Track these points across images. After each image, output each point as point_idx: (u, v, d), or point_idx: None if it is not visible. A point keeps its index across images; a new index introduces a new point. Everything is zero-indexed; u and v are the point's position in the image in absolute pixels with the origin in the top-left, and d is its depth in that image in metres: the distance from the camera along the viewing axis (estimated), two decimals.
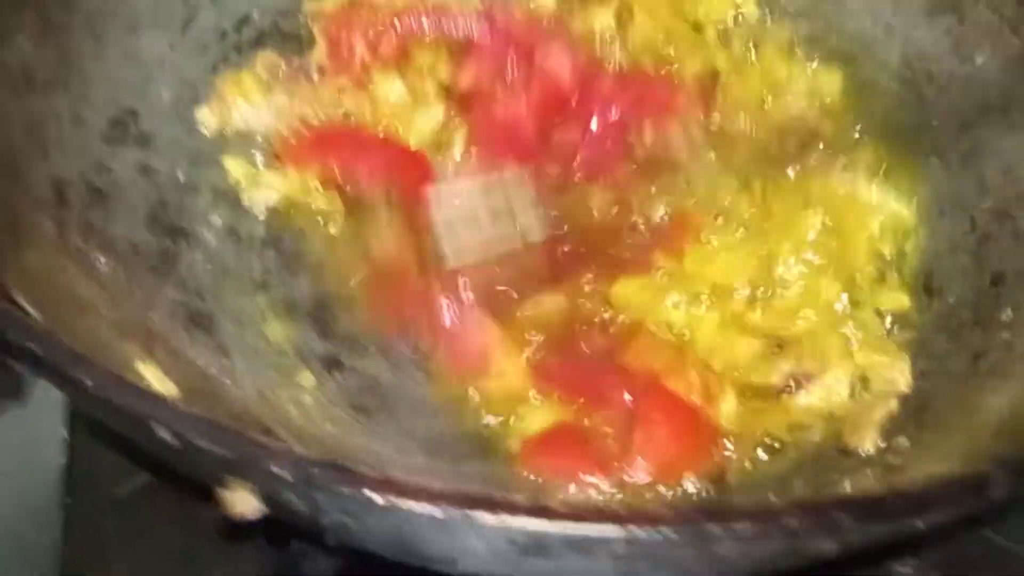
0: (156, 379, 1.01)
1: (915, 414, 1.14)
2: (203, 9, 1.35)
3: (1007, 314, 1.17)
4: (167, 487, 1.14)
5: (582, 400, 1.13)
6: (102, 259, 1.13)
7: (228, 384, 1.10)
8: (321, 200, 1.28)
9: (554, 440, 1.11)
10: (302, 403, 1.15)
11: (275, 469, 0.73)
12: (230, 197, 1.30)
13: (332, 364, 1.20)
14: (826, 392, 1.16)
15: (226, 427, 0.74)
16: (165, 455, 0.81)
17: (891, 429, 1.14)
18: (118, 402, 0.74)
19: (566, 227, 1.26)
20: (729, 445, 1.14)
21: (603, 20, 1.37)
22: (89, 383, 0.74)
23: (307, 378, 1.18)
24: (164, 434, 0.74)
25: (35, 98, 1.17)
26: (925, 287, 1.26)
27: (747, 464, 1.14)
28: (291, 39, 1.42)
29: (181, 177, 1.27)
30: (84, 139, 1.21)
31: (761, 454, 1.15)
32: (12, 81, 1.14)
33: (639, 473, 1.08)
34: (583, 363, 1.16)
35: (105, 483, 1.18)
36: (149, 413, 0.74)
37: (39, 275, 1.02)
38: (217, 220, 1.28)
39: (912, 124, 1.36)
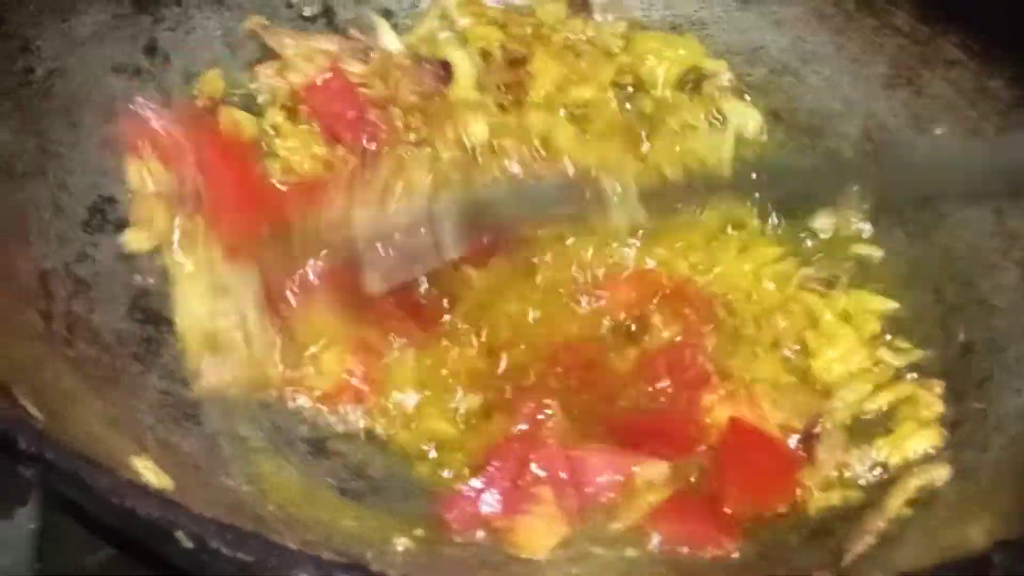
0: (151, 472, 1.02)
1: None
2: (176, 93, 1.35)
3: (979, 384, 1.19)
4: (132, 560, 1.12)
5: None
6: (88, 350, 1.12)
7: (219, 474, 1.10)
8: None
9: (676, 508, 1.13)
10: (290, 488, 1.14)
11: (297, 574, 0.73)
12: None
13: (319, 449, 1.19)
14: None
15: (247, 532, 0.74)
16: (175, 554, 0.81)
17: None
18: (141, 512, 0.74)
19: None
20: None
21: None
22: (113, 498, 0.74)
23: (294, 463, 1.17)
24: (187, 542, 0.74)
25: (16, 187, 1.17)
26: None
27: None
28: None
29: (160, 263, 1.26)
30: (65, 228, 1.21)
31: None
32: None
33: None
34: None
35: (74, 552, 1.15)
36: (173, 521, 0.74)
37: (31, 370, 1.02)
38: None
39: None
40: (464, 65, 1.42)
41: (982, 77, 1.33)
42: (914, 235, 1.35)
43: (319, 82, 1.37)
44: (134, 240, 1.24)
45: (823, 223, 1.35)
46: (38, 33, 1.23)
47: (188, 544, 0.74)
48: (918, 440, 1.16)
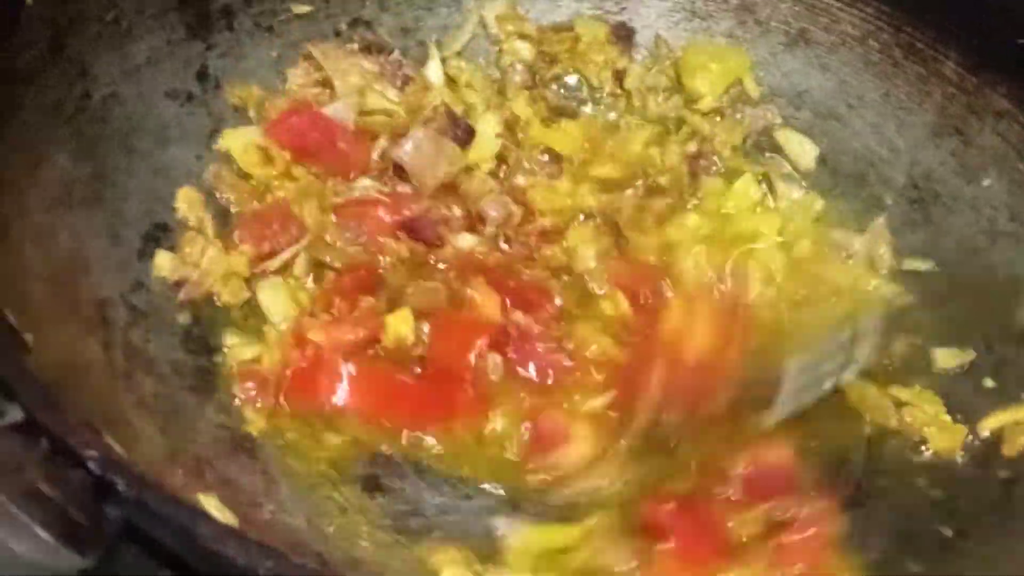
0: (216, 510, 1.01)
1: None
2: (227, 120, 1.35)
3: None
4: None
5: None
6: (146, 381, 1.12)
7: (279, 511, 1.09)
8: None
9: None
10: (346, 527, 1.13)
11: None
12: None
13: (372, 486, 1.18)
14: None
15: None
16: None
17: None
18: (243, 562, 0.73)
19: None
20: None
21: None
22: (214, 545, 0.73)
23: (350, 501, 1.16)
24: None
25: (75, 215, 1.16)
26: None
27: None
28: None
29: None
30: (121, 256, 1.21)
31: None
32: (55, 199, 1.15)
33: None
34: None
35: None
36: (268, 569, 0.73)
37: (99, 404, 1.01)
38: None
39: (919, 244, 1.39)
40: (486, 135, 1.41)
41: None
42: (963, 286, 1.34)
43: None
44: (163, 267, 1.23)
45: None
46: (95, 59, 1.23)
47: None
48: None
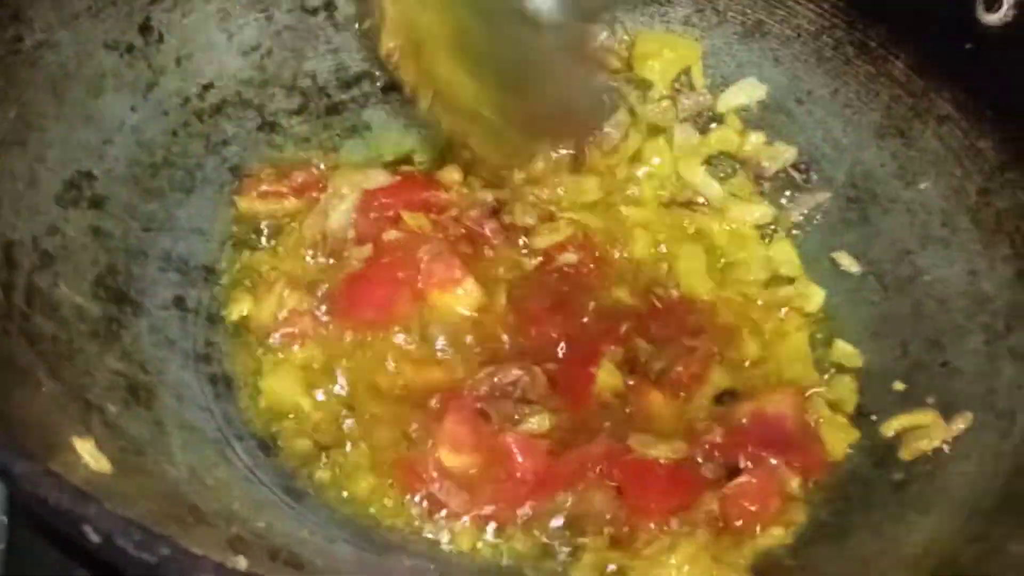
0: (90, 454, 1.01)
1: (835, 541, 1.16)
2: (168, 74, 1.36)
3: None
4: None
5: None
6: (45, 324, 1.13)
7: (162, 461, 1.10)
8: None
9: None
10: (231, 484, 1.14)
11: None
12: (180, 266, 1.29)
13: (266, 446, 1.19)
14: None
15: (156, 534, 0.74)
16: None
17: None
18: (53, 502, 0.74)
19: None
20: None
21: None
22: (29, 487, 0.74)
23: (240, 458, 1.17)
24: (94, 537, 0.74)
25: None
26: (858, 411, 1.27)
27: None
28: (251, 107, 1.42)
29: (132, 243, 1.27)
30: (38, 200, 1.21)
31: None
32: None
33: None
34: None
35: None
36: (83, 515, 0.74)
37: None
38: (165, 289, 1.27)
39: (853, 242, 1.38)
40: None
41: (971, 135, 1.32)
42: (889, 288, 1.33)
43: None
44: None
45: None
46: (31, 3, 1.22)
47: (95, 539, 0.74)
48: None
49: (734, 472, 1.20)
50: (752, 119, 1.49)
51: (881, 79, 1.41)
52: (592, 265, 1.39)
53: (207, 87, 1.40)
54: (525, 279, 1.36)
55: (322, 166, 1.42)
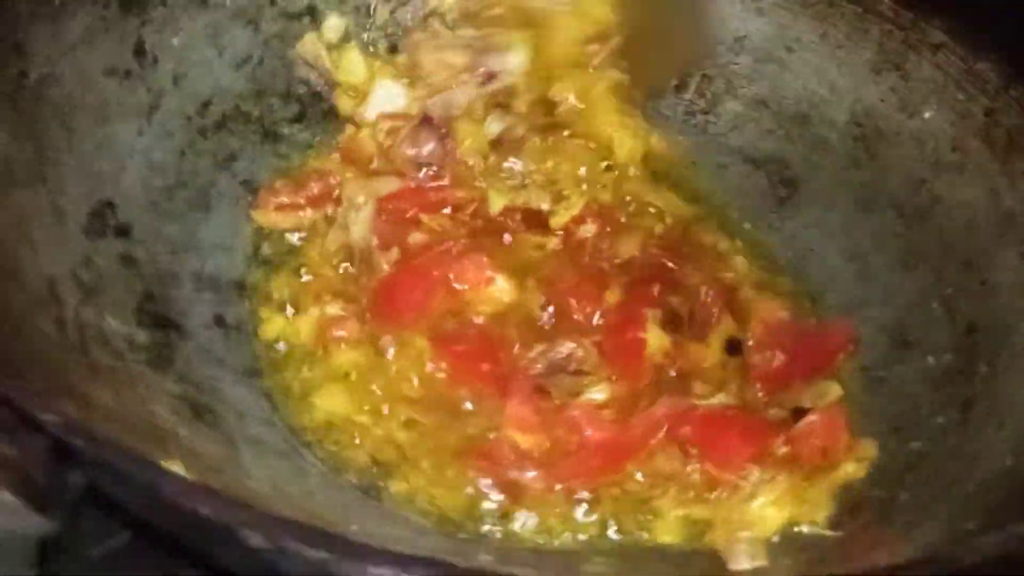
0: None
1: (908, 471, 1.17)
2: (166, 95, 1.34)
3: (987, 363, 1.20)
4: (143, 549, 1.10)
5: None
6: (102, 356, 1.11)
7: (241, 477, 1.09)
8: None
9: None
10: (313, 492, 1.13)
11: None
12: (213, 284, 1.28)
13: (332, 457, 1.19)
14: None
15: (322, 530, 0.73)
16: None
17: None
18: (205, 513, 0.72)
19: None
20: None
21: None
22: (180, 500, 0.73)
23: (313, 466, 1.16)
24: (255, 540, 0.73)
25: (18, 193, 1.14)
26: (901, 340, 1.28)
27: None
28: (251, 119, 1.40)
29: (162, 266, 1.25)
30: (67, 234, 1.19)
31: None
32: None
33: None
34: None
35: (80, 544, 1.12)
36: (243, 521, 0.73)
37: (58, 378, 1.00)
38: (203, 309, 1.25)
39: (867, 180, 1.39)
40: None
41: (969, 60, 1.34)
42: (910, 219, 1.34)
43: None
44: None
45: None
46: (29, 36, 1.20)
47: (258, 543, 0.73)
48: None
49: (799, 413, 1.20)
50: (744, 70, 1.48)
51: (868, 16, 1.43)
52: (609, 229, 1.37)
53: (206, 104, 1.38)
54: (549, 258, 1.34)
55: (332, 179, 1.38)
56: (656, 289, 1.30)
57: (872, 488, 1.17)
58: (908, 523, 1.09)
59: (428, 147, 1.37)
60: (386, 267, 1.30)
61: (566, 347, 1.22)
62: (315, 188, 1.37)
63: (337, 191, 1.38)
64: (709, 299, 1.30)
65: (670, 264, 1.34)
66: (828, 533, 1.14)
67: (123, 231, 1.25)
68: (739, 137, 1.50)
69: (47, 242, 1.15)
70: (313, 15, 1.46)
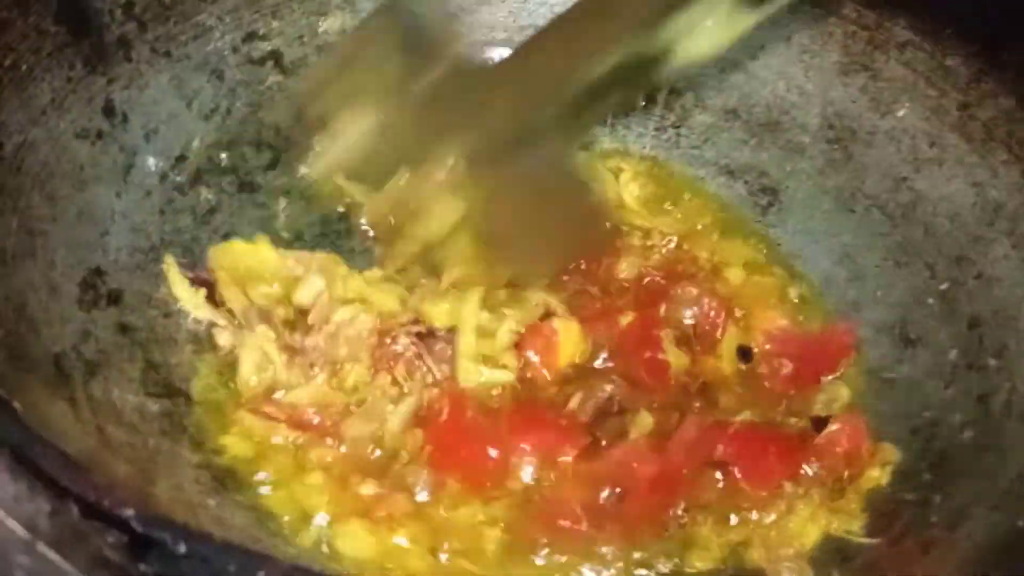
0: None
1: (935, 472, 1.18)
2: (140, 153, 1.31)
3: (995, 356, 1.22)
4: None
5: None
6: (117, 433, 1.07)
7: (279, 544, 1.06)
8: None
9: None
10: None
11: None
12: (209, 346, 1.24)
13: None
14: None
15: None
16: None
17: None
18: None
19: None
20: None
21: None
22: None
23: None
24: None
25: (11, 272, 1.10)
26: (904, 338, 1.29)
27: None
28: (226, 171, 1.38)
29: (159, 331, 1.22)
30: (63, 308, 1.16)
31: None
32: None
33: None
34: None
35: None
36: None
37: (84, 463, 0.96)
38: (205, 374, 1.22)
39: (846, 182, 1.40)
40: None
41: (937, 55, 1.35)
42: (895, 217, 1.35)
43: None
44: None
45: None
46: (1, 106, 1.16)
47: None
48: None
49: (819, 423, 1.20)
50: (711, 81, 1.48)
51: (832, 19, 1.43)
52: None
53: (180, 159, 1.35)
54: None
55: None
56: (662, 309, 1.28)
57: (902, 492, 1.18)
58: (947, 526, 1.09)
59: None
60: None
61: (606, 389, 1.21)
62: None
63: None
64: (713, 312, 1.28)
65: (667, 282, 1.32)
66: (866, 541, 1.13)
67: (115, 298, 1.22)
68: (712, 149, 1.49)
69: (46, 320, 1.12)
70: (277, 59, 1.42)
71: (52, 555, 0.71)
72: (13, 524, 0.72)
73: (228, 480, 1.12)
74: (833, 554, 1.13)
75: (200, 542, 0.72)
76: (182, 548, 0.71)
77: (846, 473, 1.19)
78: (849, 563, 1.11)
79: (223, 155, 1.39)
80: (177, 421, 1.15)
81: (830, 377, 1.28)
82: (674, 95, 1.51)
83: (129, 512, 0.73)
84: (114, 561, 0.70)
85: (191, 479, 1.09)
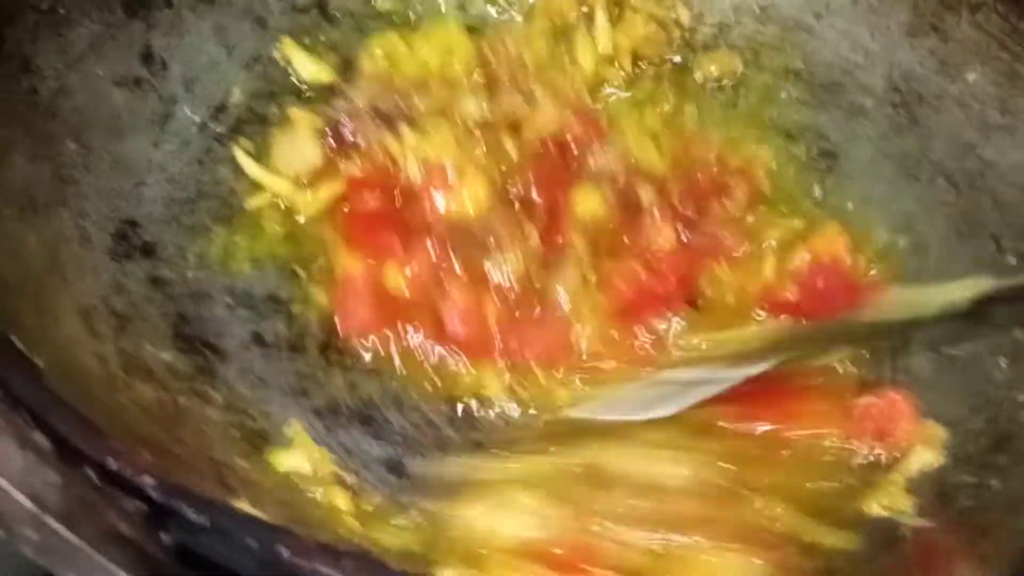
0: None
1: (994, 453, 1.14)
2: (179, 102, 1.27)
3: None
4: None
5: None
6: (147, 390, 1.04)
7: (308, 505, 1.02)
8: None
9: None
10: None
11: None
12: (244, 300, 1.21)
13: (394, 468, 1.12)
14: None
15: None
16: None
17: None
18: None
19: None
20: None
21: None
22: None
23: (370, 489, 1.10)
24: None
25: (42, 221, 1.08)
26: (967, 313, 1.23)
27: None
28: (266, 121, 1.33)
29: (192, 285, 1.18)
30: (95, 259, 1.14)
31: None
32: (19, 203, 1.07)
33: None
34: None
35: None
36: None
37: (109, 424, 0.93)
38: (239, 328, 1.19)
39: (911, 148, 1.34)
40: None
41: (1011, 18, 1.29)
42: (960, 185, 1.29)
43: None
44: None
45: None
46: (37, 51, 1.14)
47: None
48: None
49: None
50: (771, 42, 1.42)
51: None
52: None
53: (220, 109, 1.31)
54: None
55: None
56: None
57: (958, 474, 1.12)
58: (1007, 509, 1.04)
59: None
60: None
61: None
62: None
63: None
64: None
65: None
66: (917, 522, 1.08)
67: (149, 251, 1.19)
68: (771, 110, 1.42)
69: (77, 270, 1.10)
70: (321, 7, 1.38)
71: (61, 529, 0.67)
72: (20, 497, 0.69)
73: (258, 441, 1.08)
74: (881, 535, 1.07)
75: (221, 514, 0.68)
76: (203, 519, 0.67)
77: (881, 452, 1.12)
78: (897, 546, 1.06)
79: (263, 104, 1.33)
80: (208, 380, 1.12)
81: None
82: (733, 52, 1.44)
83: (149, 480, 0.69)
84: (127, 535, 0.66)
85: (221, 440, 1.06)
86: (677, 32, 1.44)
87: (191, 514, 0.68)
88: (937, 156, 1.34)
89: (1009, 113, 1.29)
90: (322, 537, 0.90)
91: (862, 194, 1.36)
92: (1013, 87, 1.30)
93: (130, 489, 0.69)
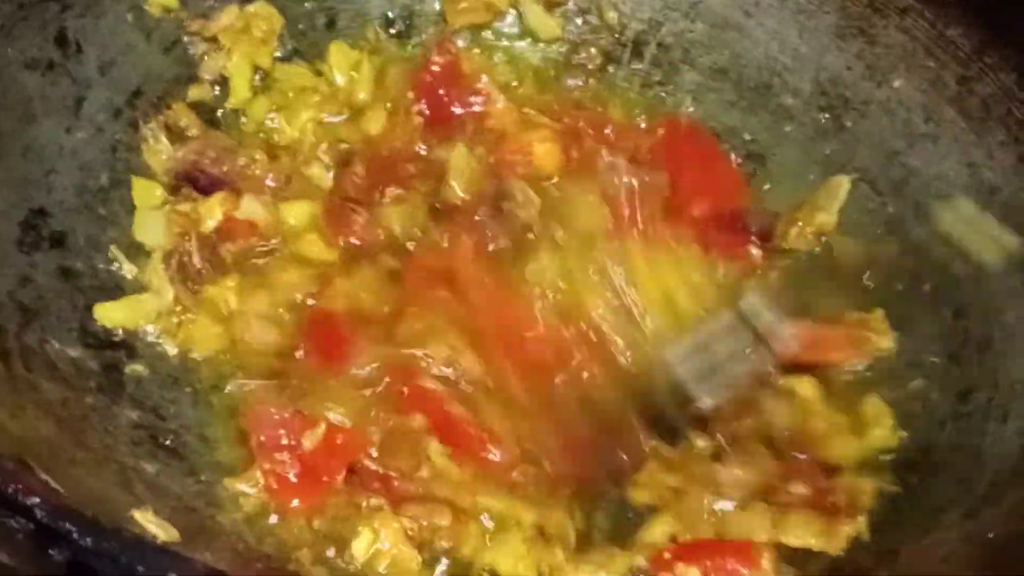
0: (155, 526, 0.93)
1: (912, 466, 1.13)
2: (93, 86, 1.24)
3: (978, 350, 1.17)
4: None
5: None
6: (51, 388, 1.01)
7: (215, 513, 1.01)
8: None
9: None
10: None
11: None
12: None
13: None
14: None
15: None
16: None
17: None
18: None
19: None
20: None
21: None
22: None
23: None
24: None
25: None
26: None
27: None
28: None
29: (103, 277, 1.15)
30: (1, 250, 1.08)
31: None
32: None
33: None
34: None
35: None
36: None
37: (12, 427, 0.91)
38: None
39: (836, 152, 1.34)
40: None
41: (939, 25, 1.28)
42: (885, 192, 1.31)
43: None
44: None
45: None
46: None
47: None
48: None
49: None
50: (702, 40, 1.41)
51: None
52: None
53: (136, 94, 1.27)
54: None
55: None
56: None
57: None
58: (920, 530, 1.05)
59: None
60: None
61: None
62: None
63: None
64: None
65: None
66: None
67: (58, 241, 1.16)
68: (699, 109, 1.41)
69: None
70: None
71: None
72: None
73: (167, 442, 1.06)
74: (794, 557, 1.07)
75: (108, 539, 0.66)
76: (88, 543, 0.65)
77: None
78: (808, 565, 1.06)
79: (182, 91, 1.30)
80: (116, 377, 1.09)
81: None
82: (662, 50, 1.43)
83: (35, 500, 0.66)
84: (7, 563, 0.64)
85: (127, 441, 1.04)
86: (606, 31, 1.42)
87: (78, 537, 0.65)
88: (863, 162, 1.33)
89: (933, 121, 1.29)
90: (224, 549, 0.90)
91: (788, 197, 1.35)
92: (938, 94, 1.29)
93: (17, 508, 0.67)
